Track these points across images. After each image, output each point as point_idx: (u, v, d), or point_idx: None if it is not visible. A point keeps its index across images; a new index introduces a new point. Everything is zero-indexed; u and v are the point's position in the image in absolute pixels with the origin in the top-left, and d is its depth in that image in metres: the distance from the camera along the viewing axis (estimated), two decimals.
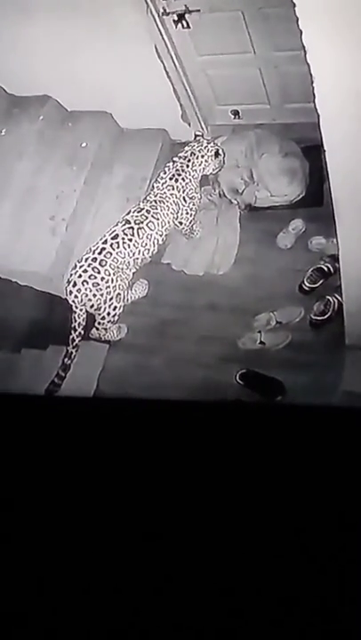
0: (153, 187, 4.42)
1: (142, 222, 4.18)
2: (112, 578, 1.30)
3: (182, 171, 4.32)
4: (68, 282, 4.12)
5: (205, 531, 1.32)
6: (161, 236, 4.27)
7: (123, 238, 4.13)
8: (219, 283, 4.55)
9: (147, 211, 4.23)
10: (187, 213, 4.38)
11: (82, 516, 1.38)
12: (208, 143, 4.44)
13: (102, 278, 4.05)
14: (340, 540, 1.26)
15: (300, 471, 1.36)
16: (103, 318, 4.21)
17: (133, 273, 4.29)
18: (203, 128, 5.15)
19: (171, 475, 1.40)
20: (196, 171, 4.37)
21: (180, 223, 4.41)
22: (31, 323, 4.35)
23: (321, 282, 4.24)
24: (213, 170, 4.49)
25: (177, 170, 4.32)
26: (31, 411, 1.58)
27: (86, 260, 4.10)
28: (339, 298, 3.93)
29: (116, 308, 4.19)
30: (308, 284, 4.25)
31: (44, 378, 4.24)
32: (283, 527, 1.30)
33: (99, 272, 4.05)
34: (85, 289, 4.06)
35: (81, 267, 4.08)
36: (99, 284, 4.06)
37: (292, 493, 1.33)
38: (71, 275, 4.13)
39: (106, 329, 4.30)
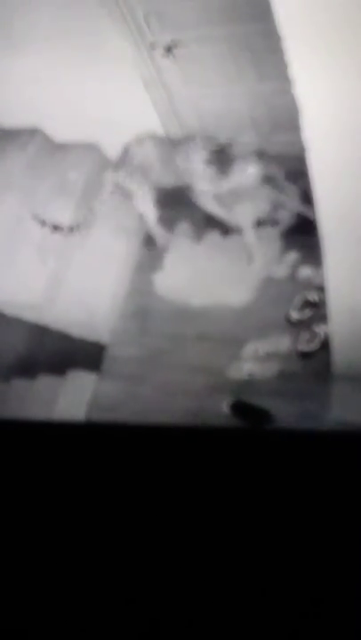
0: None
1: None
2: (106, 605, 1.30)
3: None
4: None
5: (193, 554, 1.32)
6: None
7: None
8: (207, 310, 4.56)
9: None
10: None
11: (72, 541, 1.38)
12: None
13: None
14: (332, 565, 1.27)
15: (290, 495, 1.37)
16: None
17: None
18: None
19: (162, 500, 1.40)
20: None
21: None
22: (20, 352, 4.35)
23: (308, 312, 4.26)
24: None
25: None
26: (21, 436, 1.58)
27: None
28: (325, 328, 3.96)
29: None
30: (294, 315, 4.28)
31: (34, 407, 4.24)
32: (272, 550, 1.30)
33: None
34: None
35: None
36: None
37: (283, 517, 1.33)
38: None
39: None
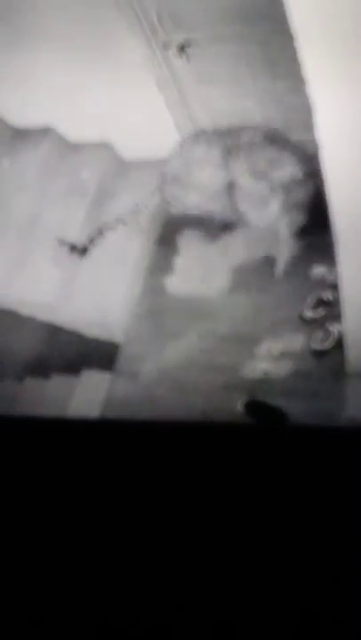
0: None
1: None
2: (109, 601, 1.32)
3: None
4: None
5: (205, 548, 1.34)
6: None
7: None
8: (220, 310, 4.58)
9: None
10: None
11: (84, 536, 1.40)
12: None
13: None
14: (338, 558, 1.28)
15: (303, 492, 1.38)
16: None
17: None
18: None
19: (174, 495, 1.42)
20: None
21: None
22: (34, 352, 4.38)
23: (321, 311, 4.27)
24: None
25: None
26: (34, 434, 1.60)
27: None
28: (339, 327, 3.97)
29: None
30: (308, 314, 4.29)
31: (48, 407, 4.26)
32: (285, 546, 1.32)
33: None
34: None
35: None
36: None
37: (294, 513, 1.35)
38: None
39: None
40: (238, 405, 4.06)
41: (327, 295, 4.28)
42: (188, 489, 1.45)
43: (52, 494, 1.50)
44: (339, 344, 4.00)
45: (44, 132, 5.17)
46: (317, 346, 4.17)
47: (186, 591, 1.32)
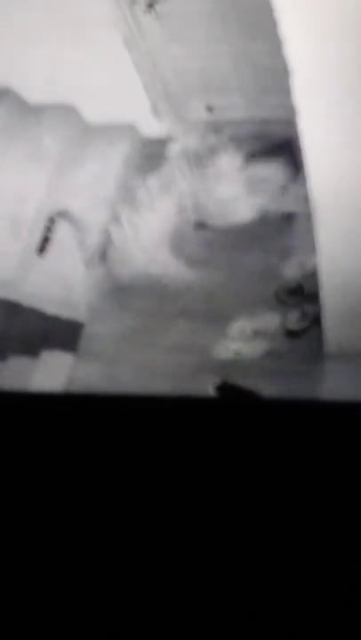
0: None
1: None
2: (107, 583, 1.31)
3: None
4: None
5: (191, 528, 1.33)
6: None
7: None
8: (191, 288, 4.54)
9: None
10: None
11: (66, 518, 1.39)
12: None
13: None
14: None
15: (281, 468, 1.38)
16: None
17: None
18: (175, 123, 5.15)
19: (159, 475, 1.41)
20: None
21: None
22: None
23: (298, 293, 4.27)
24: None
25: None
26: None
27: None
28: (314, 307, 3.97)
29: None
30: (282, 295, 4.28)
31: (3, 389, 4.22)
32: (267, 526, 1.31)
33: None
34: None
35: None
36: None
37: (277, 492, 1.34)
38: None
39: None
40: (210, 388, 4.04)
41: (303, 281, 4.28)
42: (163, 467, 1.44)
43: (18, 473, 1.49)
44: (314, 324, 4.00)
45: (2, 94, 5.08)
46: (293, 326, 4.16)
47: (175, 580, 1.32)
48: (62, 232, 4.68)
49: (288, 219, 4.50)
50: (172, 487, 1.36)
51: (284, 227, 4.50)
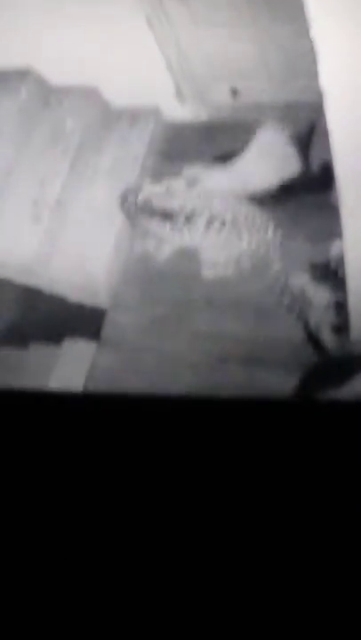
0: None
1: None
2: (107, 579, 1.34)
3: None
4: None
5: (194, 533, 1.35)
6: None
7: None
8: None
9: None
10: None
11: (71, 515, 1.42)
12: None
13: None
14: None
15: (297, 465, 1.40)
16: None
17: None
18: (199, 107, 5.15)
19: (163, 474, 1.43)
20: None
21: None
22: (10, 319, 4.36)
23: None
24: None
25: None
26: (14, 406, 1.61)
27: None
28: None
29: None
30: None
31: (26, 380, 4.25)
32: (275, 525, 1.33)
33: None
34: None
35: None
36: None
37: (286, 490, 1.36)
38: None
39: None
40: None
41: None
42: (179, 467, 1.46)
43: (34, 472, 1.51)
44: None
45: (23, 75, 5.09)
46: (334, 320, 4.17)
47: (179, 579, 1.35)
48: (84, 217, 4.70)
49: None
50: (176, 487, 1.39)
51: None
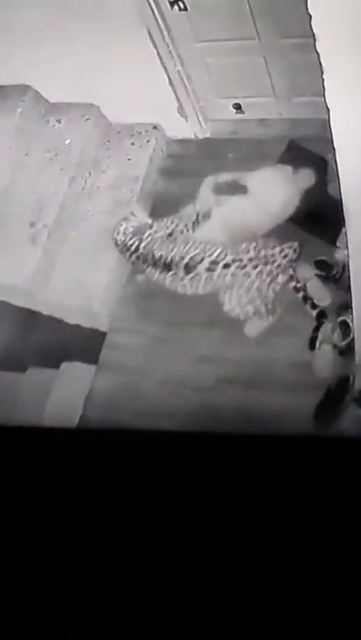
0: None
1: None
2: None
3: None
4: None
5: (195, 566, 1.34)
6: None
7: None
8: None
9: None
10: None
11: (65, 550, 1.40)
12: None
13: None
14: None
15: (295, 504, 1.39)
16: None
17: None
18: (201, 123, 5.16)
19: (161, 510, 1.42)
20: None
21: None
22: (8, 342, 4.35)
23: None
24: None
25: None
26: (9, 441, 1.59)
27: None
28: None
29: None
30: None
31: (24, 404, 4.24)
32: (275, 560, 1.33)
33: None
34: None
35: None
36: None
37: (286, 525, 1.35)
38: None
39: None
40: None
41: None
42: (173, 504, 1.45)
43: (28, 507, 1.50)
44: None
45: (21, 92, 5.10)
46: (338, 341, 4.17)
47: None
48: (83, 237, 4.70)
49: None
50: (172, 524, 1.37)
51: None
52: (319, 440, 1.55)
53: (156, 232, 4.49)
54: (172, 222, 4.56)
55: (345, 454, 1.43)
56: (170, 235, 4.49)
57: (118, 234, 4.51)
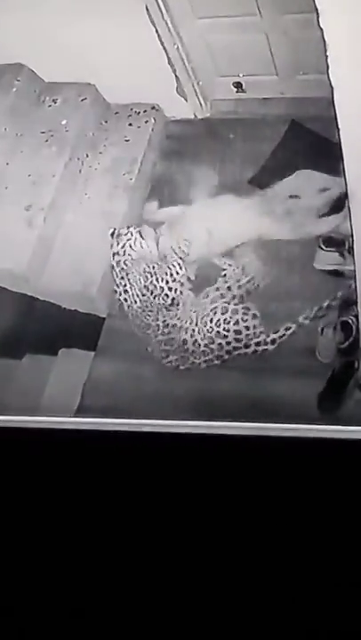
0: None
1: None
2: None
3: None
4: None
5: (194, 565, 1.35)
6: None
7: None
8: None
9: None
10: None
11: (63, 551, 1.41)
12: None
13: None
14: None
15: (293, 502, 1.41)
16: None
17: None
18: (201, 102, 5.15)
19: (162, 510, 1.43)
20: None
21: None
22: (4, 328, 4.35)
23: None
24: None
25: None
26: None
27: None
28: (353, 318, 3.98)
29: None
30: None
31: (20, 391, 4.25)
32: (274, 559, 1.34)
33: None
34: None
35: None
36: None
37: (286, 523, 1.37)
38: None
39: None
40: None
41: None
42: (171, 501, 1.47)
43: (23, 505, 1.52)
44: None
45: (15, 71, 5.09)
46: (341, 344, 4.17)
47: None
48: (80, 221, 4.70)
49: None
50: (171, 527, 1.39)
51: None
52: (319, 440, 1.57)
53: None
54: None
55: (345, 454, 1.45)
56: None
57: (118, 246, 4.52)
